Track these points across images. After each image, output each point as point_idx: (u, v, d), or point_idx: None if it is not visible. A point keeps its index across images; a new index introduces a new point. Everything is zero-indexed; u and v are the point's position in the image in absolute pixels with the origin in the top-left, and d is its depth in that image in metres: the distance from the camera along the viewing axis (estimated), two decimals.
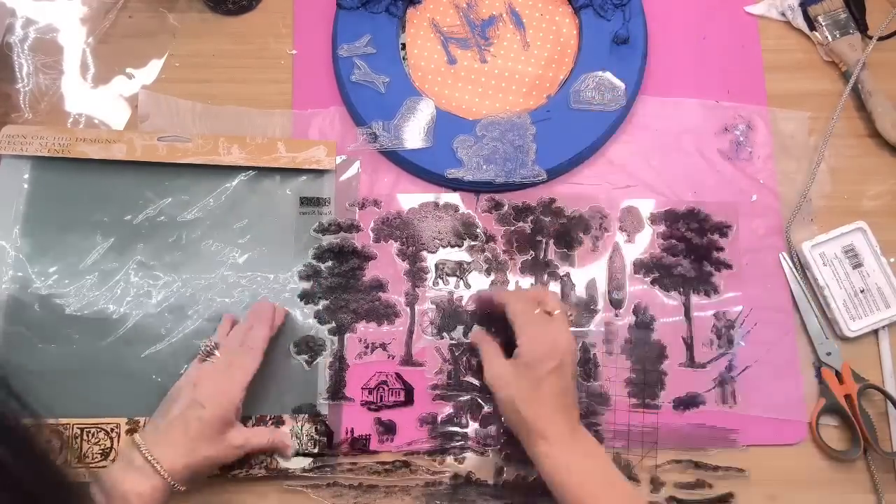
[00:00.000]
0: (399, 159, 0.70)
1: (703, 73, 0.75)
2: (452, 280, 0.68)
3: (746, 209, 0.71)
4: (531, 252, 0.69)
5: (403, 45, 0.74)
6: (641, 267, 0.69)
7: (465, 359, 0.66)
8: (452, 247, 0.69)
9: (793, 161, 0.72)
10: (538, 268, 0.69)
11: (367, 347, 0.66)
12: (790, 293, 0.69)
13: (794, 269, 0.69)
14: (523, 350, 0.58)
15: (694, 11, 0.77)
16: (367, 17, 0.73)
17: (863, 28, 0.75)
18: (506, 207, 0.70)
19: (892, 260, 0.69)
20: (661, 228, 0.70)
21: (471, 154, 0.69)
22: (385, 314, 0.67)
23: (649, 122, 0.73)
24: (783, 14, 0.77)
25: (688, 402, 0.66)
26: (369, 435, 0.64)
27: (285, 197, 0.69)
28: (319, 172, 0.69)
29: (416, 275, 0.68)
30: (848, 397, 0.65)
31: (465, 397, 0.65)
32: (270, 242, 0.67)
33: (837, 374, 0.66)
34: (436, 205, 0.70)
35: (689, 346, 0.67)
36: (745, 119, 0.73)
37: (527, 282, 0.68)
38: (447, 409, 0.65)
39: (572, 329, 0.61)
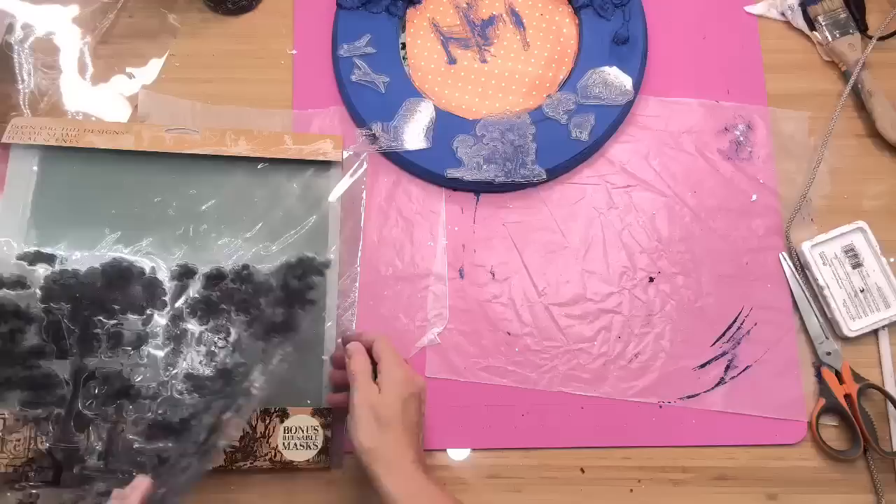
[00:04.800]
0: (399, 160, 0.70)
1: (703, 73, 0.75)
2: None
3: (746, 209, 0.71)
4: None
5: (403, 45, 0.74)
6: None
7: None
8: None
9: (793, 161, 0.73)
10: None
11: None
12: (790, 293, 0.69)
13: (794, 269, 0.69)
14: (384, 373, 0.57)
15: (694, 11, 0.77)
16: (367, 17, 0.73)
17: (863, 28, 0.75)
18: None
19: (892, 260, 0.69)
20: None
21: (471, 154, 0.69)
22: None
23: (649, 122, 0.73)
24: (783, 14, 0.77)
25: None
26: None
27: (291, 190, 0.69)
28: (326, 167, 0.69)
29: None
30: (848, 397, 0.65)
31: None
32: (277, 235, 0.67)
33: (837, 373, 0.66)
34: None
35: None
36: (745, 119, 0.73)
37: None
38: None
39: None
